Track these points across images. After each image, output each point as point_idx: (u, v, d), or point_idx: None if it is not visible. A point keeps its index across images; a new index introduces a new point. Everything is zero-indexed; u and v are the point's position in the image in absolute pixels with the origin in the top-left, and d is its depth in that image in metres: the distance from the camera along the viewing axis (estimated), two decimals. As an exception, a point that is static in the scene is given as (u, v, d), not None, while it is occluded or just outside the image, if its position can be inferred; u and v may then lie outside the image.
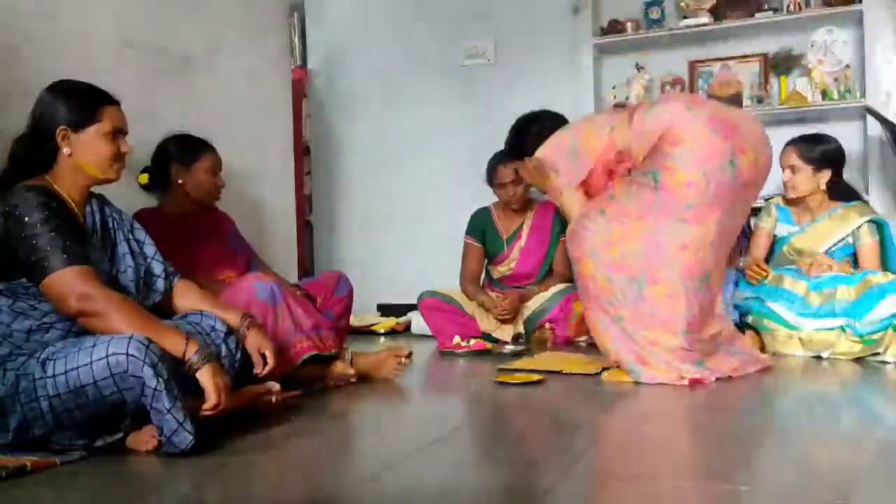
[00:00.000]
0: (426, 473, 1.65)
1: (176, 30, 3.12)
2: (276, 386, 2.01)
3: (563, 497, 1.44)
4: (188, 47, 3.18)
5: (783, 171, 3.23)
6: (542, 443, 1.88)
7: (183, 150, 2.71)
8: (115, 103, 1.98)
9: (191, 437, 1.65)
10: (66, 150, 1.89)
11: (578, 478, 1.56)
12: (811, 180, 3.19)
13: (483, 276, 3.90)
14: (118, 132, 1.95)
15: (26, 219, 1.75)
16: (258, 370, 1.98)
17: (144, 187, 2.72)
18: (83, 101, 1.92)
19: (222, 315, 1.99)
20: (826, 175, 3.19)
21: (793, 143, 3.25)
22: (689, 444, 1.92)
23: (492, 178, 3.83)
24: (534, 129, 2.88)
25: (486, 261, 3.92)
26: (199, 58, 3.24)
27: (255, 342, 1.99)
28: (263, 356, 2.01)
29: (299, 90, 4.79)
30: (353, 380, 2.54)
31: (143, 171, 2.72)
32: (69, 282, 1.74)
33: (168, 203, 2.73)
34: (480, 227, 3.91)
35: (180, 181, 2.69)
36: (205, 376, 1.74)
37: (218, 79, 3.34)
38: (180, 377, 1.71)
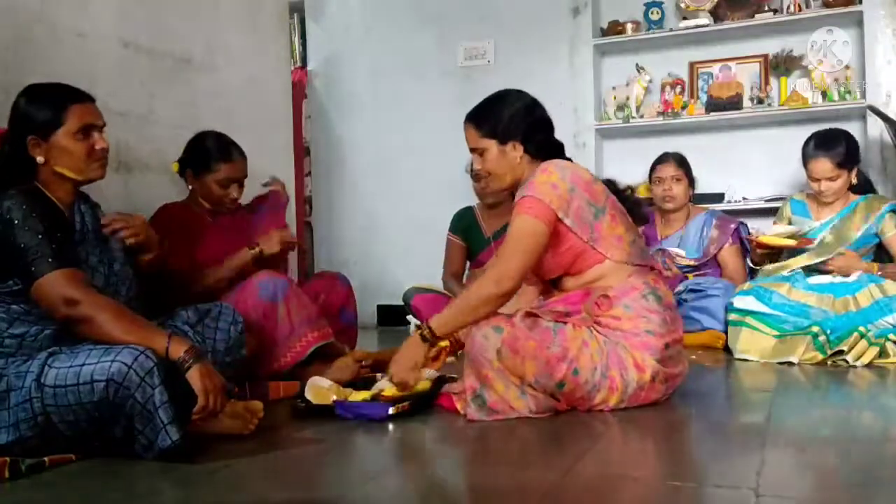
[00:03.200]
0: (425, 475, 1.64)
1: (176, 31, 3.12)
2: (257, 406, 1.95)
3: (563, 497, 1.44)
4: (188, 48, 3.18)
5: (817, 182, 3.20)
6: (541, 443, 1.87)
7: (200, 156, 2.64)
8: (83, 100, 1.91)
9: (170, 441, 1.65)
10: (39, 159, 1.86)
11: (578, 478, 1.55)
12: (847, 182, 3.22)
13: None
14: (89, 128, 1.90)
15: (15, 222, 1.75)
16: (197, 410, 1.74)
17: (178, 173, 2.69)
18: (46, 106, 1.87)
19: (149, 343, 1.74)
20: (855, 170, 3.22)
21: (822, 153, 3.17)
22: (691, 447, 1.92)
23: (472, 171, 3.88)
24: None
25: (468, 260, 3.95)
26: (199, 59, 3.24)
27: (196, 379, 1.74)
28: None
29: (299, 91, 4.79)
30: (364, 372, 2.55)
31: (177, 160, 2.69)
32: (56, 286, 1.74)
33: (187, 199, 2.70)
34: (464, 225, 3.94)
35: (191, 187, 2.67)
36: (194, 377, 1.73)
37: (218, 80, 3.33)
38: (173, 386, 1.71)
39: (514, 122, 2.18)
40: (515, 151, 2.18)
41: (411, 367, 2.09)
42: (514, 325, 2.02)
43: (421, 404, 2.16)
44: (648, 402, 2.10)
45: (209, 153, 2.63)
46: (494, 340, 2.00)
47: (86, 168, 1.90)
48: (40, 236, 1.76)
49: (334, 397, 2.16)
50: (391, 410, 2.04)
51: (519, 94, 2.26)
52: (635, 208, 2.30)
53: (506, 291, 2.05)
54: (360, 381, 2.44)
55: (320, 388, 2.19)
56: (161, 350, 1.73)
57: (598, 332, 2.07)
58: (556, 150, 2.26)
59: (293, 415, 2.14)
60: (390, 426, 2.02)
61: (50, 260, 1.75)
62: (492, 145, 2.19)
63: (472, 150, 2.25)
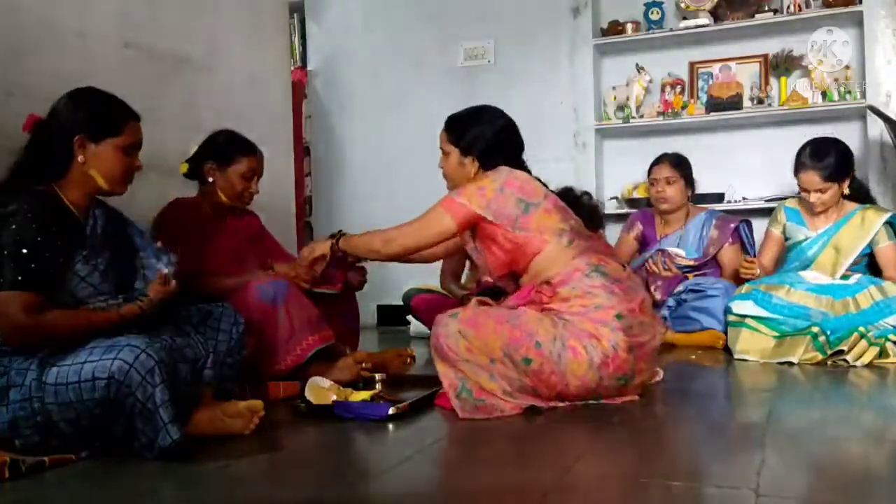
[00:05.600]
0: (425, 475, 1.64)
1: (176, 30, 3.12)
2: (258, 405, 1.94)
3: (562, 497, 1.44)
4: (188, 48, 3.18)
5: (808, 193, 3.19)
6: (540, 443, 1.87)
7: (223, 149, 2.67)
8: (137, 118, 1.97)
9: (171, 440, 1.66)
10: (80, 158, 1.87)
11: (577, 477, 1.56)
12: (838, 193, 3.19)
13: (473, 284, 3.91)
14: (136, 147, 1.96)
15: (13, 226, 1.74)
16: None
17: (185, 175, 2.70)
18: (107, 113, 1.91)
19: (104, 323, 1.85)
20: (847, 182, 3.19)
21: (810, 166, 3.15)
22: (691, 447, 1.92)
23: None
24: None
25: (467, 260, 3.95)
26: (200, 58, 3.24)
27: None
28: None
29: (299, 91, 4.79)
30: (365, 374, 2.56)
31: (186, 161, 2.70)
32: (8, 304, 1.71)
33: (203, 196, 2.70)
34: None
35: (211, 179, 2.66)
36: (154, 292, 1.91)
37: (218, 79, 3.33)
38: (175, 391, 1.72)
39: (478, 141, 2.36)
40: (471, 166, 2.38)
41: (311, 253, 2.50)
42: (469, 308, 2.15)
43: (420, 405, 2.16)
44: (623, 374, 2.11)
45: (232, 146, 2.67)
46: (454, 326, 2.09)
47: (117, 182, 1.94)
48: (25, 251, 1.73)
49: (334, 397, 2.16)
50: (391, 411, 2.04)
51: (495, 115, 2.42)
52: (591, 213, 2.48)
53: (389, 254, 2.38)
54: (360, 382, 2.44)
55: (320, 389, 2.19)
56: (116, 318, 1.82)
57: (550, 315, 2.13)
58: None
59: (294, 415, 2.14)
60: (390, 426, 2.02)
61: (19, 278, 1.72)
62: (454, 153, 2.41)
63: (441, 149, 2.46)
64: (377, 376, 2.43)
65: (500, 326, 2.07)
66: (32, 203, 1.78)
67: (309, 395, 2.17)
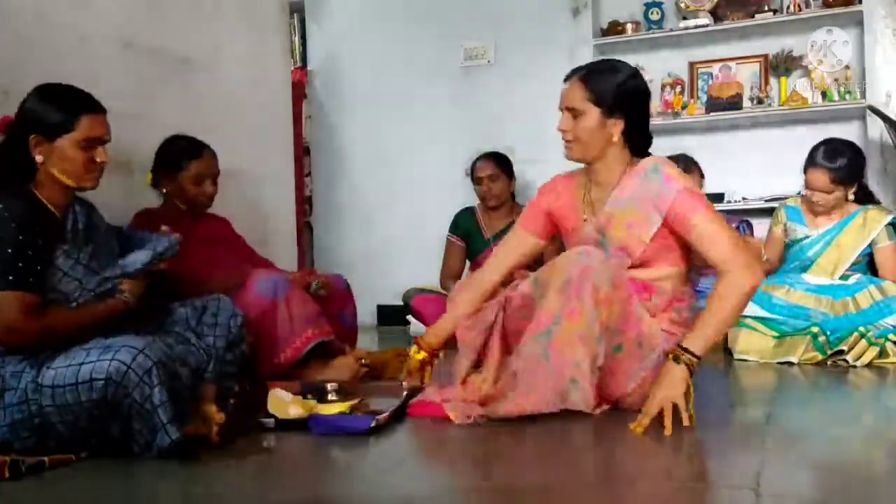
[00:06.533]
0: (424, 475, 1.64)
1: (176, 31, 3.11)
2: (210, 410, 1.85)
3: (563, 497, 1.44)
4: (188, 48, 3.17)
5: (811, 192, 3.14)
6: (539, 444, 1.87)
7: (169, 157, 2.64)
8: (96, 111, 1.89)
9: (169, 440, 1.66)
10: (38, 158, 1.84)
11: (577, 478, 1.55)
12: (842, 197, 3.15)
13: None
14: (95, 141, 1.88)
15: None
16: None
17: (152, 186, 2.69)
18: (59, 109, 1.85)
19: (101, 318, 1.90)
20: (853, 188, 3.15)
21: (822, 166, 3.08)
22: (691, 447, 1.92)
23: (472, 174, 3.91)
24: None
25: (467, 261, 3.97)
26: (199, 58, 3.23)
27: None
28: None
29: (299, 91, 4.79)
30: (364, 371, 2.56)
31: (150, 171, 2.69)
32: (6, 304, 1.71)
33: (163, 204, 2.69)
34: (464, 225, 3.96)
35: (164, 190, 2.64)
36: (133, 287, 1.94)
37: (218, 80, 3.33)
38: (175, 394, 1.72)
39: (626, 97, 2.05)
40: (615, 128, 2.05)
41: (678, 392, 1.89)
42: (619, 264, 2.00)
43: (400, 413, 2.07)
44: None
45: (178, 152, 2.63)
46: (616, 269, 1.94)
47: (82, 178, 1.88)
48: (9, 250, 1.72)
49: (299, 410, 1.99)
50: (373, 423, 1.91)
51: (635, 70, 2.13)
52: None
53: (763, 271, 1.98)
54: (309, 394, 2.18)
55: (281, 401, 2.01)
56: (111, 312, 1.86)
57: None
58: (647, 144, 2.15)
59: (261, 430, 1.98)
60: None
61: (10, 278, 1.71)
62: (594, 113, 2.05)
63: (568, 109, 2.10)
64: (328, 385, 2.22)
65: (630, 306, 1.94)
66: (8, 203, 1.76)
67: (271, 408, 1.99)
